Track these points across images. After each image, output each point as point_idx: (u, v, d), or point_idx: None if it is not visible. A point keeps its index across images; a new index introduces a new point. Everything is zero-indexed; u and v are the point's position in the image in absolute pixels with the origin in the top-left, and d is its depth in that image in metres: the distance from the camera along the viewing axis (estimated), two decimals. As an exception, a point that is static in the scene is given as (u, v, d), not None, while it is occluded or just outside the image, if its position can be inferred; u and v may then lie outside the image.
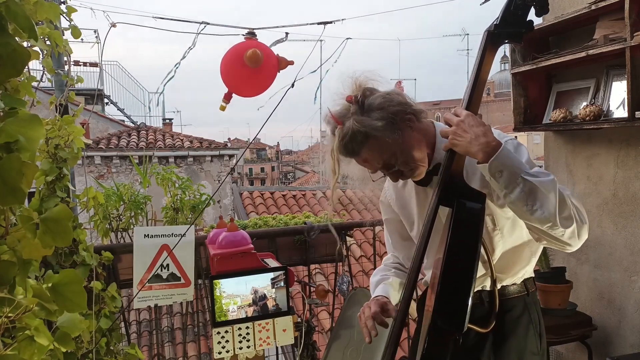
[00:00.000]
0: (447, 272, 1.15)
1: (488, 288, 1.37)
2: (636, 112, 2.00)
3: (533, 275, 1.47)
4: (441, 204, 1.23)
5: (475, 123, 1.18)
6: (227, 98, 1.86)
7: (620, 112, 2.21)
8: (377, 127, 1.22)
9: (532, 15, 1.24)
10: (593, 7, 2.15)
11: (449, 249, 1.15)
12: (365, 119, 1.22)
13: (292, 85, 1.72)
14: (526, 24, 1.23)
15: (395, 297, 1.48)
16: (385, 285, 1.53)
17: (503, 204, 1.27)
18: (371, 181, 1.38)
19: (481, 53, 1.24)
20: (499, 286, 1.37)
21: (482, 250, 1.31)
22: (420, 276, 1.49)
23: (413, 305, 1.54)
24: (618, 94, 2.25)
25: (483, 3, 1.58)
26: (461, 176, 1.24)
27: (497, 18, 1.24)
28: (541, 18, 2.84)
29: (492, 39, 1.24)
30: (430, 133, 1.34)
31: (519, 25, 1.23)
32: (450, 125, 1.21)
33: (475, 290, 1.37)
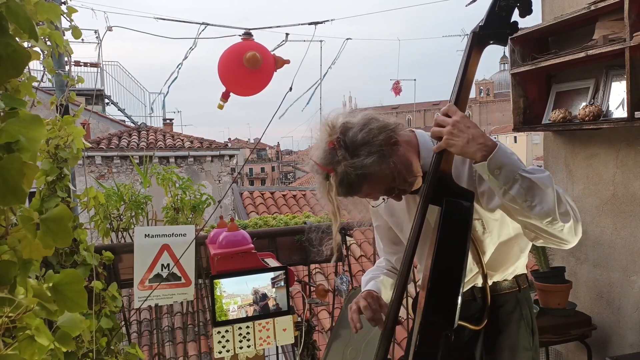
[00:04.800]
0: (437, 268, 1.16)
1: (480, 285, 1.39)
2: (635, 112, 2.00)
3: (525, 272, 1.47)
4: (430, 202, 1.23)
5: (472, 124, 1.18)
6: (225, 97, 1.87)
7: (619, 112, 2.21)
8: (371, 164, 1.20)
9: (517, 17, 1.24)
10: (592, 8, 2.15)
11: (438, 246, 1.16)
12: (356, 160, 1.20)
13: (290, 89, 1.76)
14: (510, 25, 1.23)
15: (385, 295, 1.49)
16: (376, 281, 1.54)
17: (493, 206, 1.28)
18: (364, 204, 1.39)
19: (467, 54, 1.25)
20: (490, 282, 1.39)
21: (474, 251, 1.32)
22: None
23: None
24: (617, 94, 2.25)
25: (469, 4, 1.59)
26: (450, 175, 1.24)
27: (482, 19, 1.25)
28: (540, 18, 2.84)
29: (478, 40, 1.25)
30: (413, 141, 1.34)
31: (504, 26, 1.23)
32: (442, 127, 1.20)
33: (467, 288, 1.38)
